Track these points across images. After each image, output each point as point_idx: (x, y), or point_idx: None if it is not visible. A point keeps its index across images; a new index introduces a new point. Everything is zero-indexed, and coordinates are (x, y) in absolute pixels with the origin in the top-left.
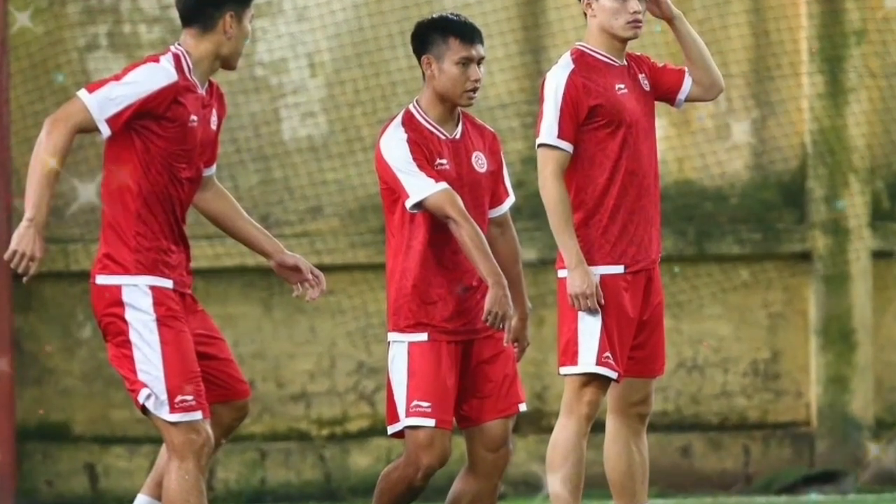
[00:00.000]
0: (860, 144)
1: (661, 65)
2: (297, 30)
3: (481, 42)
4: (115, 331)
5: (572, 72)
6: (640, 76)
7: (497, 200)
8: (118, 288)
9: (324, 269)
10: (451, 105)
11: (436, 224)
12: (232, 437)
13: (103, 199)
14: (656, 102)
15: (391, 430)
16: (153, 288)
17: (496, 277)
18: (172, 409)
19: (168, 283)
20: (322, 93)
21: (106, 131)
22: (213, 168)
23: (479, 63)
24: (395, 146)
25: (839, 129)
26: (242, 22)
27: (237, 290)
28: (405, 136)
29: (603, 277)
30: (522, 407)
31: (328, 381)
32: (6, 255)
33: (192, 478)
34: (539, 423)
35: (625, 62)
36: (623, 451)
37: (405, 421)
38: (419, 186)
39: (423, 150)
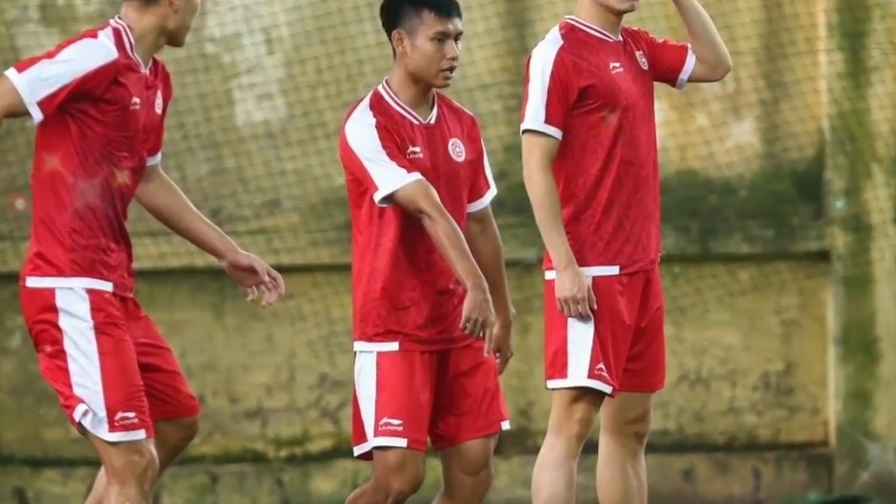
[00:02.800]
0: (884, 130)
1: (660, 41)
2: (251, 1)
3: (459, 15)
4: (47, 339)
5: (561, 48)
6: (638, 53)
7: (477, 193)
8: (51, 291)
9: (282, 269)
10: (424, 86)
11: (408, 220)
12: (179, 458)
13: (34, 191)
14: (656, 83)
15: (358, 450)
16: (90, 291)
17: (476, 279)
18: (112, 428)
19: (107, 286)
20: (280, 72)
21: (38, 115)
22: (158, 157)
23: (456, 39)
24: (362, 132)
25: (861, 112)
26: None
27: (185, 293)
28: (373, 120)
29: (596, 280)
30: (505, 425)
31: (287, 396)
32: None
33: None
34: (524, 442)
35: (620, 38)
36: (618, 474)
37: (373, 441)
38: (389, 177)
39: (394, 136)
